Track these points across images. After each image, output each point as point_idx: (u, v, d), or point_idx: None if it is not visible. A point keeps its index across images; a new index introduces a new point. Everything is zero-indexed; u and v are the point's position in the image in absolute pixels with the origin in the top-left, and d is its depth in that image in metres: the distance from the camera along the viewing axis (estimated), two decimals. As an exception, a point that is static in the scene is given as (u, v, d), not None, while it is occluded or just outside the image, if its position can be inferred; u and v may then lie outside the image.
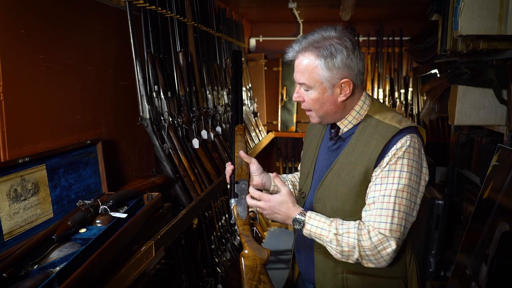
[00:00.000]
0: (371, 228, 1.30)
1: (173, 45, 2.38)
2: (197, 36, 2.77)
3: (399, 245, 1.31)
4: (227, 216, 3.31)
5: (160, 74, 2.13)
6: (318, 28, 1.40)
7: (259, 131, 4.17)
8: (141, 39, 2.03)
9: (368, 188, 1.36)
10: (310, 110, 1.45)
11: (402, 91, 4.70)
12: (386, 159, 1.33)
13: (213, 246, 2.98)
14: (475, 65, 2.49)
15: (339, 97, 1.38)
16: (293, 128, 4.80)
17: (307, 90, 1.40)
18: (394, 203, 1.29)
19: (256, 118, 4.19)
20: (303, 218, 1.36)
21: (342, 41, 1.34)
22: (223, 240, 3.20)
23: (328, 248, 1.35)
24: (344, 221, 1.34)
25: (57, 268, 1.11)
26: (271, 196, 1.43)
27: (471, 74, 2.42)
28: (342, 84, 1.36)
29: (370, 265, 1.33)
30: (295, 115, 4.79)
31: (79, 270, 1.07)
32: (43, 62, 1.51)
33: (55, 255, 1.19)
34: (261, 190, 1.55)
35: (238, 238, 3.38)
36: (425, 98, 4.49)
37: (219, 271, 2.95)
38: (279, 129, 4.82)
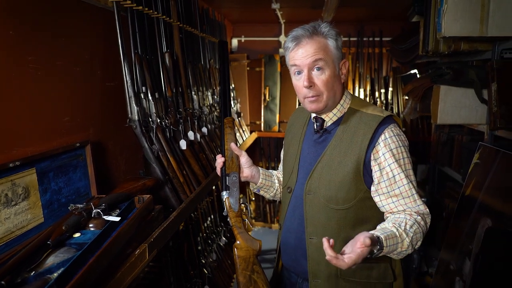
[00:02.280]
0: (419, 214, 1.41)
1: (159, 45, 2.36)
2: (182, 37, 2.75)
3: None
4: (212, 217, 3.30)
5: (147, 75, 2.10)
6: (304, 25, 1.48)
7: (243, 131, 4.18)
8: (128, 39, 2.00)
9: (378, 179, 1.44)
10: (318, 95, 1.45)
11: (383, 90, 4.77)
12: (379, 148, 1.43)
13: (199, 248, 2.96)
14: (456, 66, 2.56)
15: (341, 77, 1.50)
16: (276, 128, 4.81)
17: (319, 70, 1.43)
18: (414, 186, 1.45)
19: (239, 118, 4.19)
20: (381, 245, 1.28)
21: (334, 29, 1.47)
22: (209, 241, 3.18)
23: (395, 255, 1.38)
24: (398, 222, 1.37)
25: (55, 274, 1.09)
26: (358, 256, 1.20)
27: (453, 75, 2.49)
28: (342, 65, 1.49)
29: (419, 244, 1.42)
30: (277, 115, 4.80)
31: (78, 276, 1.05)
32: (32, 64, 1.48)
33: (51, 260, 1.17)
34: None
35: (224, 239, 3.38)
36: (405, 97, 4.58)
37: (206, 272, 2.94)
38: (262, 129, 4.82)
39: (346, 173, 1.45)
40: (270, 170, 1.84)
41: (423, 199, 3.17)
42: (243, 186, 1.78)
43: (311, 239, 1.52)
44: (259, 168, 1.76)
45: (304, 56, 1.43)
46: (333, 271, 1.49)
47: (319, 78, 1.44)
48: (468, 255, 2.15)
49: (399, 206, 1.43)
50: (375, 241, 1.27)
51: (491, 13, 2.10)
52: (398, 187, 1.42)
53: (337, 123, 1.53)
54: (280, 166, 1.85)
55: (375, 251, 1.28)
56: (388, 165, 1.42)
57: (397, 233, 1.33)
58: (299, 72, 1.46)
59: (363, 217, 1.48)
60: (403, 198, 1.42)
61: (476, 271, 2.00)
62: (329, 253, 1.21)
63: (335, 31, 1.46)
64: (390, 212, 1.45)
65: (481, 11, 2.10)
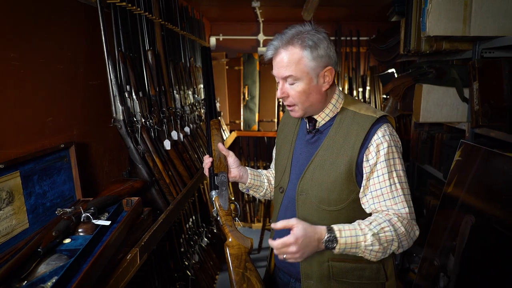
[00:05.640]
0: (398, 216, 1.36)
1: (142, 43, 2.29)
2: (164, 34, 2.69)
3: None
4: (194, 218, 3.25)
5: (131, 73, 2.04)
6: (291, 26, 1.43)
7: (223, 130, 4.14)
8: (111, 37, 1.93)
9: (366, 181, 1.41)
10: (294, 105, 1.46)
11: (360, 89, 4.82)
12: (372, 149, 1.40)
13: (182, 249, 2.91)
14: (439, 65, 2.60)
15: (323, 85, 1.43)
16: (256, 127, 4.78)
17: (292, 84, 1.42)
18: (402, 188, 1.40)
19: (219, 118, 4.14)
20: (333, 234, 1.30)
21: (319, 33, 1.40)
22: (191, 243, 3.13)
23: (366, 254, 1.34)
24: (368, 219, 1.37)
25: (49, 284, 1.03)
26: (293, 235, 1.27)
27: (436, 73, 2.53)
28: (326, 73, 1.41)
29: (401, 250, 1.39)
30: (257, 114, 4.78)
31: (75, 284, 1.00)
32: (14, 61, 1.40)
33: (42, 269, 1.10)
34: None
35: (206, 240, 3.34)
36: (383, 96, 4.65)
37: (189, 274, 2.89)
38: (241, 128, 4.79)
39: (338, 174, 1.42)
40: (259, 170, 1.82)
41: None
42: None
43: None
44: (247, 168, 1.75)
45: (278, 67, 1.43)
46: (325, 272, 1.48)
47: (293, 89, 1.42)
48: (452, 251, 2.19)
49: (379, 207, 1.40)
50: (321, 230, 1.30)
51: (473, 13, 2.14)
52: (381, 188, 1.39)
53: (329, 123, 1.50)
54: (272, 164, 1.83)
55: (325, 238, 1.29)
56: (377, 164, 1.40)
57: (358, 226, 1.32)
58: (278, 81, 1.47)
59: (355, 218, 1.44)
60: (384, 201, 1.39)
61: (464, 267, 2.03)
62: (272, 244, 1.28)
63: (317, 37, 1.38)
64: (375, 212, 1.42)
65: (464, 10, 2.14)
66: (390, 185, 1.39)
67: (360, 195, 1.44)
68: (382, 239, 1.32)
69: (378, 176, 1.39)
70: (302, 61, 1.37)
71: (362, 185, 1.43)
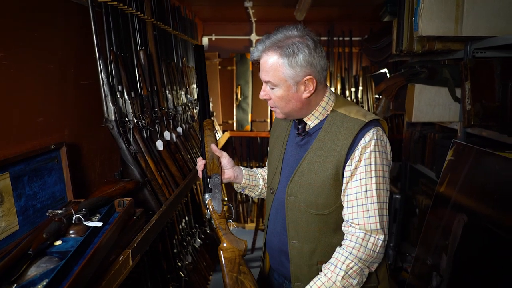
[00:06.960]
0: (362, 238, 1.35)
1: (134, 43, 2.28)
2: (156, 34, 2.67)
3: (386, 234, 1.38)
4: (186, 218, 3.24)
5: (123, 73, 2.03)
6: (280, 27, 1.42)
7: (216, 130, 4.12)
8: (103, 36, 1.92)
9: (346, 184, 1.39)
10: (275, 107, 1.47)
11: (353, 89, 4.84)
12: (357, 153, 1.37)
13: (175, 250, 2.90)
14: (431, 65, 2.61)
15: (303, 94, 1.41)
16: (248, 127, 4.78)
17: (272, 88, 1.42)
18: (378, 195, 1.36)
19: (212, 118, 4.13)
20: None
21: (303, 40, 1.37)
22: (184, 244, 3.12)
23: None
24: (329, 262, 1.38)
25: (39, 286, 1.02)
26: None
27: (428, 73, 2.54)
28: (306, 81, 1.39)
29: (375, 265, 1.40)
30: (250, 114, 4.77)
31: (66, 286, 0.98)
32: (3, 61, 1.38)
33: (33, 271, 1.09)
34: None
35: (199, 240, 3.32)
36: (375, 96, 4.66)
37: (182, 275, 2.87)
38: (234, 128, 4.78)
39: (325, 178, 1.40)
40: (254, 169, 1.80)
41: (397, 195, 3.22)
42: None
43: (293, 242, 1.49)
44: (242, 168, 1.74)
45: (261, 70, 1.43)
46: (314, 274, 1.45)
47: (273, 93, 1.43)
48: (445, 250, 2.19)
49: (349, 214, 1.38)
50: None
51: (465, 13, 2.15)
52: (356, 193, 1.36)
53: (319, 126, 1.48)
54: (266, 163, 1.82)
55: None
56: (357, 168, 1.37)
57: (324, 277, 1.35)
58: None
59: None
60: (357, 206, 1.36)
61: (456, 266, 2.04)
62: None
63: (298, 46, 1.35)
64: (347, 221, 1.41)
65: (456, 11, 2.15)
66: (366, 191, 1.35)
67: (342, 198, 1.42)
68: (353, 275, 1.34)
69: (355, 181, 1.37)
70: (280, 69, 1.37)
71: (342, 189, 1.41)
